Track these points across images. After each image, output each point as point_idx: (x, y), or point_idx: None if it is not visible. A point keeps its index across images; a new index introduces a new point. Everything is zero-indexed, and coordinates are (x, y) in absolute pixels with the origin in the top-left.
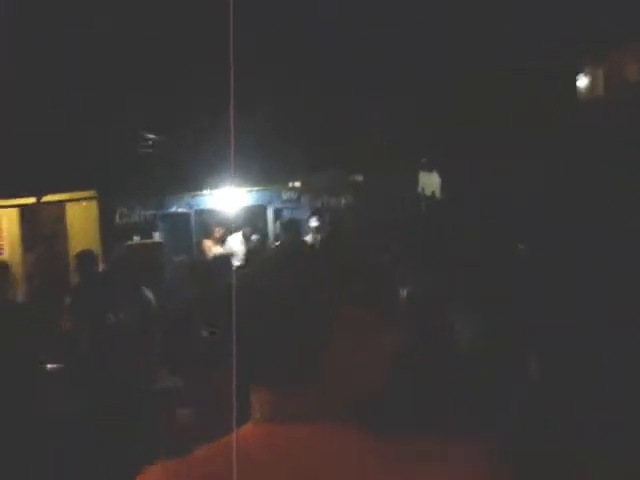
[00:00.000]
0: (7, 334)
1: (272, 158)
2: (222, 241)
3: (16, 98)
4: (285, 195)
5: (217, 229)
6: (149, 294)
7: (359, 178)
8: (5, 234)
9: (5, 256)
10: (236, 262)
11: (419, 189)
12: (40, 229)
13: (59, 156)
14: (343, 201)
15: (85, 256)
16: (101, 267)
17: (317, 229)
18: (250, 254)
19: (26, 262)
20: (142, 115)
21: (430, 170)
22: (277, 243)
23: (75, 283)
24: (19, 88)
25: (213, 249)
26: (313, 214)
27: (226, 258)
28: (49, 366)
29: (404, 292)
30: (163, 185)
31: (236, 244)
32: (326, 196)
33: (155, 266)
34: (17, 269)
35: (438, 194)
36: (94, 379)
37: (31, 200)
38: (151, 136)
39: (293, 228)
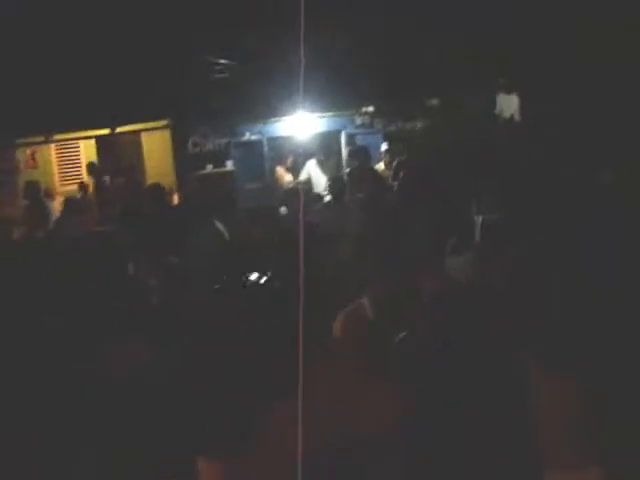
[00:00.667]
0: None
1: (344, 83)
2: (293, 169)
3: (89, 29)
4: (358, 120)
5: (289, 157)
6: (221, 227)
7: (434, 102)
8: (84, 164)
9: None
10: (315, 189)
11: (497, 111)
12: (117, 159)
13: (132, 85)
14: (418, 125)
15: (153, 190)
16: (174, 197)
17: (386, 152)
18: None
19: (103, 191)
20: (214, 41)
21: (509, 92)
22: (346, 171)
23: (146, 217)
24: (94, 19)
25: (286, 177)
26: (386, 140)
27: (296, 190)
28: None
29: (479, 220)
30: (235, 112)
31: (312, 171)
32: (400, 121)
33: (227, 196)
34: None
35: (517, 117)
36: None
37: (106, 131)
38: (223, 62)
39: (361, 156)
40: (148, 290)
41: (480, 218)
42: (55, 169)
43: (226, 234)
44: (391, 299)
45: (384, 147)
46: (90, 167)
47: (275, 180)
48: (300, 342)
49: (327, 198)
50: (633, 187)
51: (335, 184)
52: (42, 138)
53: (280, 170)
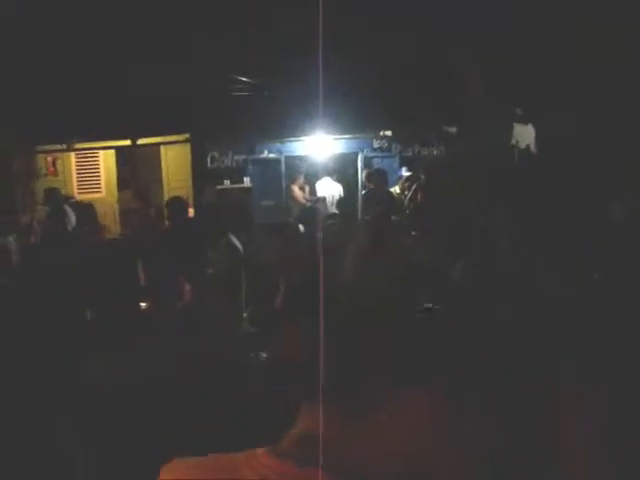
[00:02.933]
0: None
1: (364, 105)
2: (306, 187)
3: (117, 41)
4: (376, 143)
5: (300, 176)
6: (236, 242)
7: (452, 129)
8: (103, 174)
9: (103, 195)
10: (327, 207)
11: (513, 141)
12: (136, 170)
13: (154, 99)
14: (435, 152)
15: (174, 203)
16: (191, 211)
17: (406, 179)
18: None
19: (122, 202)
20: (236, 58)
21: (525, 122)
22: (363, 192)
23: (164, 229)
24: (122, 31)
25: (301, 196)
26: (402, 164)
27: (313, 208)
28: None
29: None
30: (255, 130)
31: (326, 189)
32: (418, 146)
33: (244, 211)
34: (113, 208)
35: (533, 147)
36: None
37: (127, 142)
38: (245, 80)
39: (378, 179)
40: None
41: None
42: (74, 177)
43: (241, 248)
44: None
45: (405, 172)
46: None
47: (291, 198)
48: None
49: (337, 217)
50: None
51: (344, 204)
52: (63, 146)
53: (295, 188)
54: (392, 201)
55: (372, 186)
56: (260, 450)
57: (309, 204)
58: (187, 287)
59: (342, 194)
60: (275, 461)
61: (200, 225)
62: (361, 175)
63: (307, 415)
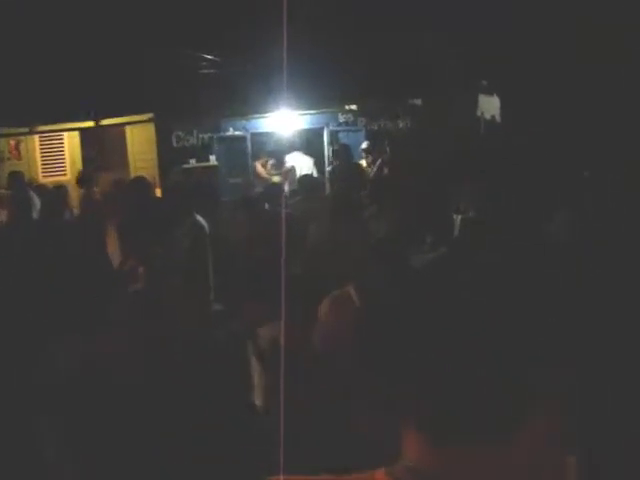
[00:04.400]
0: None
1: (328, 80)
2: (267, 165)
3: (76, 20)
4: (342, 118)
5: (263, 154)
6: (202, 221)
7: (418, 101)
8: (67, 156)
9: (68, 177)
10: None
11: (479, 112)
12: (100, 151)
13: (117, 78)
14: (401, 125)
15: (138, 183)
16: (158, 191)
17: (365, 150)
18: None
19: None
20: (200, 36)
21: (490, 93)
22: (329, 168)
23: (128, 210)
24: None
25: (263, 172)
26: (369, 137)
27: (277, 185)
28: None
29: (458, 218)
30: (219, 108)
31: (297, 162)
32: (383, 120)
33: (210, 190)
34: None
35: (498, 118)
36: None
37: (91, 123)
38: (209, 57)
39: (343, 154)
40: (134, 279)
41: (459, 217)
42: (38, 160)
43: (206, 227)
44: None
45: (364, 145)
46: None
47: (255, 176)
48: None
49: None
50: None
51: (305, 182)
52: (26, 129)
53: (258, 165)
54: (358, 176)
55: (337, 162)
56: (380, 474)
57: (275, 179)
58: (140, 270)
59: (312, 167)
60: None
61: (166, 205)
62: (327, 150)
63: (417, 447)
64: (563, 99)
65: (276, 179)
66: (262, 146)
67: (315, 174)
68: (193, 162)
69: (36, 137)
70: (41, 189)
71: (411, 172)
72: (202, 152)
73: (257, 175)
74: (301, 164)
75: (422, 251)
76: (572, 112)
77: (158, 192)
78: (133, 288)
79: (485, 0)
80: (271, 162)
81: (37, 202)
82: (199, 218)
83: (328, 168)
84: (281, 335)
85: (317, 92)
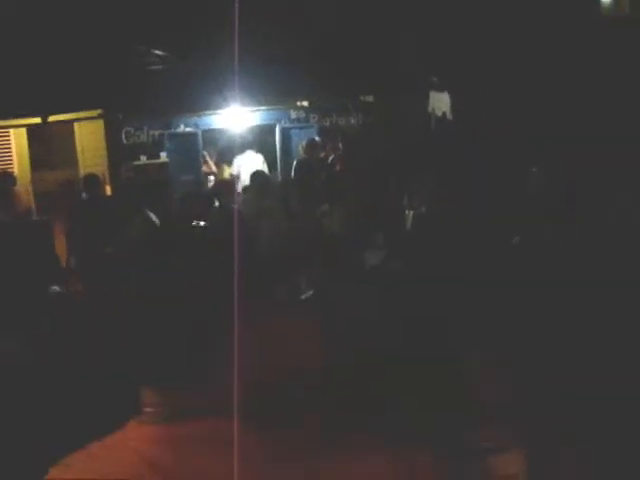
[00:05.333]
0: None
1: (279, 77)
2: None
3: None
4: (293, 114)
5: (210, 153)
6: (153, 217)
7: (369, 98)
8: (15, 154)
9: (16, 174)
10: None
11: (429, 109)
12: (49, 149)
13: (65, 74)
14: (352, 121)
15: (88, 180)
16: (108, 189)
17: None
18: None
19: (35, 182)
20: (149, 32)
21: (441, 90)
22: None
23: (79, 206)
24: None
25: (208, 168)
26: (321, 134)
27: (227, 181)
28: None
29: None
30: (170, 104)
31: (248, 161)
32: (335, 115)
33: (161, 186)
34: (27, 188)
35: (449, 115)
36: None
37: (37, 120)
38: (158, 53)
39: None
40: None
41: (411, 213)
42: None
43: (157, 222)
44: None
45: (303, 143)
46: None
47: (204, 174)
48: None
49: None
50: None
51: (256, 178)
52: None
53: (210, 163)
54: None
55: (306, 156)
56: None
57: (225, 174)
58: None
59: (262, 164)
60: None
61: (116, 202)
62: (279, 146)
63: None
64: (514, 94)
65: (226, 174)
66: (214, 143)
67: (266, 171)
68: (144, 159)
69: None
70: None
71: (363, 168)
72: (153, 149)
73: (204, 173)
74: (253, 163)
75: (375, 247)
76: (522, 107)
77: (108, 189)
78: (74, 287)
79: None
80: (211, 159)
81: None
82: (150, 214)
83: (295, 161)
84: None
85: (268, 88)
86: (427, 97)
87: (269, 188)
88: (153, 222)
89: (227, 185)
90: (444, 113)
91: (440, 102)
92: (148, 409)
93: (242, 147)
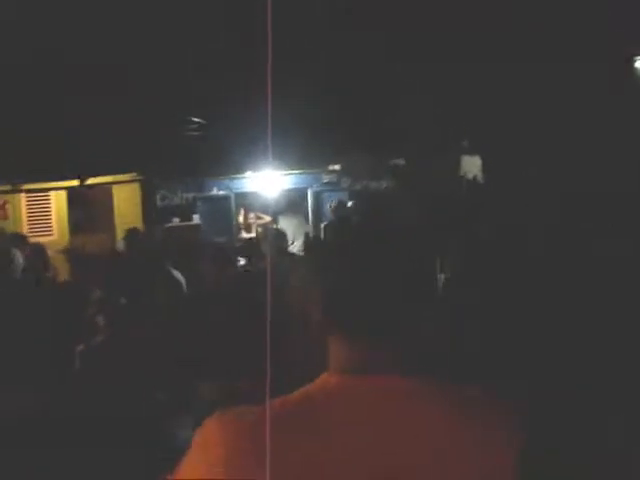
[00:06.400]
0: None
1: (312, 141)
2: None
3: (62, 80)
4: (325, 178)
5: (246, 213)
6: (178, 275)
7: (400, 161)
8: (55, 216)
9: (55, 237)
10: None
11: (461, 172)
12: (88, 211)
13: (104, 138)
14: (384, 185)
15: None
16: (140, 249)
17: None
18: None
19: (73, 243)
20: (185, 98)
21: (472, 153)
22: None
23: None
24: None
25: (246, 221)
26: (352, 198)
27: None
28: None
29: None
30: (204, 167)
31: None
32: (366, 179)
33: (192, 249)
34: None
35: (480, 178)
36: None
37: (76, 182)
38: (195, 119)
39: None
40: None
41: (442, 276)
42: (25, 220)
43: (182, 281)
44: None
45: (333, 204)
46: None
47: (241, 227)
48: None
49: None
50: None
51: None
52: (8, 187)
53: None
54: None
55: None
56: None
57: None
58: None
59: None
60: None
61: (141, 260)
62: (310, 208)
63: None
64: (545, 156)
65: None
66: (246, 206)
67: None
68: (177, 221)
69: (23, 197)
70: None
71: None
72: (185, 211)
73: (241, 226)
74: (292, 227)
75: None
76: (553, 168)
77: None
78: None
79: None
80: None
81: (20, 259)
82: (174, 271)
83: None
84: None
85: (300, 152)
86: (459, 160)
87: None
88: (176, 279)
89: (252, 244)
90: (475, 176)
91: (471, 165)
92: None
93: (274, 209)
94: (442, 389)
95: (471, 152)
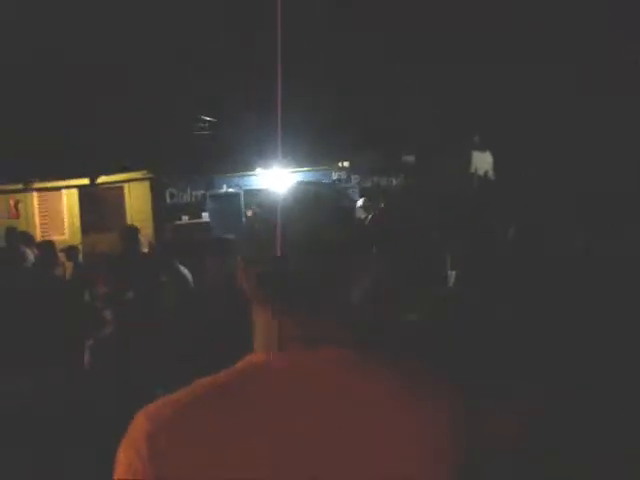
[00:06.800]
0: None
1: (321, 138)
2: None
3: (73, 80)
4: (335, 175)
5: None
6: (185, 271)
7: (410, 158)
8: (66, 214)
9: (66, 236)
10: None
11: (472, 169)
12: (99, 211)
13: (116, 136)
14: (394, 182)
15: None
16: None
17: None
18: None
19: (85, 242)
20: (194, 96)
21: (483, 150)
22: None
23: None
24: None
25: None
26: (362, 194)
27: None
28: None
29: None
30: (213, 165)
31: None
32: (376, 176)
33: (198, 245)
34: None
35: (491, 174)
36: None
37: (87, 181)
38: (205, 118)
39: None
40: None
41: (453, 273)
42: (37, 220)
43: (190, 277)
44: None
45: (360, 203)
46: None
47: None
48: None
49: None
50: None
51: None
52: (21, 186)
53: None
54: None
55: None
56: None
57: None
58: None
59: None
60: None
61: (150, 257)
62: None
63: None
64: (556, 153)
65: None
66: (255, 203)
67: None
68: (186, 219)
69: (35, 196)
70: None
71: (402, 227)
72: (195, 209)
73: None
74: None
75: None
76: (565, 165)
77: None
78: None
79: (475, 58)
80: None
81: (31, 257)
82: (182, 268)
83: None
84: None
85: (310, 149)
86: (469, 157)
87: None
88: (184, 275)
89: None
90: (486, 172)
91: (482, 161)
92: None
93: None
94: (387, 365)
95: (482, 148)
